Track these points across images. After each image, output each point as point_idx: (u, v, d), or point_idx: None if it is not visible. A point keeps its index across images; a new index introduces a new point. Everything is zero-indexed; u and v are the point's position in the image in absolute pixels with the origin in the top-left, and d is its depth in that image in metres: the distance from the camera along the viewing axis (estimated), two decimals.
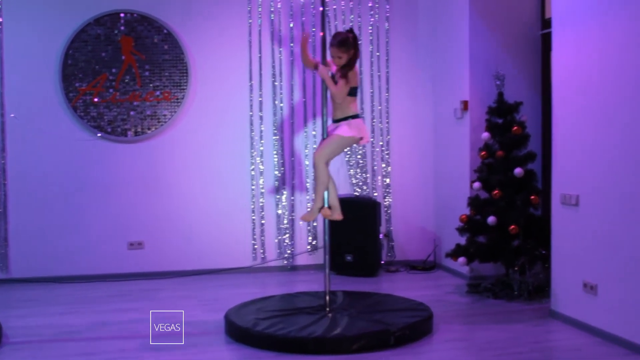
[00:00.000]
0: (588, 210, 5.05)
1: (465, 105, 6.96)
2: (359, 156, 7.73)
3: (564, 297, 5.38)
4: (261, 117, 7.58)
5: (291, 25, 7.59)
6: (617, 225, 4.73)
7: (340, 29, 7.61)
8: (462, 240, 6.56)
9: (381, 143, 7.79)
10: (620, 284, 4.71)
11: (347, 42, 5.09)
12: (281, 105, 7.61)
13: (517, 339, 4.95)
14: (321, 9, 5.51)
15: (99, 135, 7.30)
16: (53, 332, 5.35)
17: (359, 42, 5.34)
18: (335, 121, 5.28)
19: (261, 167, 7.60)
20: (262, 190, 7.62)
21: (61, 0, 7.22)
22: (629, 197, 4.60)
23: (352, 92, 5.22)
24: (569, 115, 5.29)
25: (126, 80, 7.32)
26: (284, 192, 7.63)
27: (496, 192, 6.22)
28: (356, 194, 7.74)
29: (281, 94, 7.61)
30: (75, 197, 7.31)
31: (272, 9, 7.58)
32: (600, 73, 4.90)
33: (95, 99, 7.26)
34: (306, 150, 7.61)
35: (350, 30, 5.22)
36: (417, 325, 4.98)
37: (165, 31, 7.37)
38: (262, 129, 7.59)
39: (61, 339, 5.15)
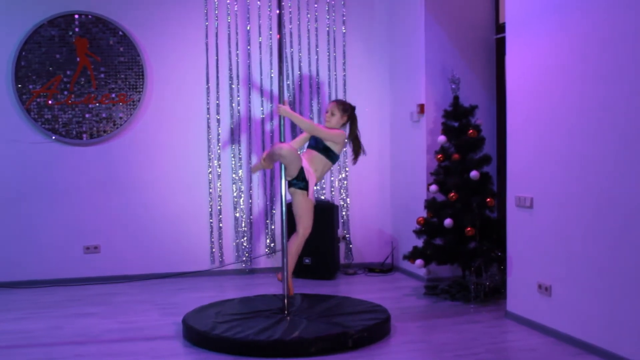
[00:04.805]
0: (542, 212, 5.14)
1: (421, 108, 7.02)
2: None
3: (520, 298, 5.46)
4: (218, 120, 7.55)
5: (248, 28, 7.58)
6: (569, 227, 4.81)
7: (295, 32, 7.65)
8: (419, 243, 6.61)
9: None
10: (573, 285, 4.79)
11: (345, 105, 5.48)
12: (238, 108, 7.59)
13: (474, 340, 5.00)
14: (277, 11, 5.53)
15: (53, 138, 7.21)
16: (9, 338, 5.26)
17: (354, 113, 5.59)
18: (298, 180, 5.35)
19: (219, 170, 7.58)
20: (220, 194, 7.60)
21: (13, 1, 7.11)
22: (579, 199, 4.69)
23: (333, 157, 5.43)
24: (522, 118, 5.37)
25: (81, 83, 7.24)
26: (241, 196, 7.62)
27: (452, 194, 6.28)
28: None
29: (238, 97, 7.59)
30: (30, 201, 7.20)
31: (228, 12, 7.56)
32: (551, 78, 4.98)
33: (50, 101, 7.16)
34: (263, 155, 7.59)
35: (353, 108, 5.55)
36: (375, 327, 5.01)
37: (120, 33, 7.30)
38: (220, 131, 7.56)
39: (17, 344, 5.06)
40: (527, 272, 5.34)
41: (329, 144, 5.33)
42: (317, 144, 5.37)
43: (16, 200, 7.18)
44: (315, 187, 5.51)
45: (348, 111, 5.45)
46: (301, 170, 5.25)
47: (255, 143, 7.64)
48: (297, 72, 7.73)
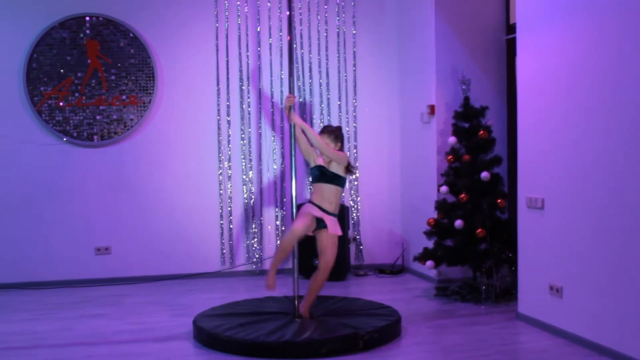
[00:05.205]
0: (553, 213, 5.11)
1: (432, 109, 7.00)
2: None
3: (531, 299, 5.43)
4: (229, 122, 7.56)
5: (258, 29, 7.59)
6: (581, 228, 4.79)
7: (305, 33, 7.66)
8: (430, 244, 6.60)
9: (348, 146, 7.81)
10: (584, 286, 4.77)
11: (335, 132, 5.40)
12: (249, 109, 7.60)
13: (484, 341, 4.98)
14: (288, 13, 5.53)
15: (64, 139, 7.23)
16: (20, 339, 5.28)
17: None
18: (323, 210, 5.30)
19: (229, 171, 7.58)
20: (230, 195, 7.60)
21: (25, 3, 7.15)
22: (591, 200, 4.66)
23: (343, 182, 5.38)
24: (533, 119, 5.35)
25: (92, 84, 7.26)
26: (252, 197, 7.63)
27: (463, 195, 6.26)
28: None
29: (249, 98, 7.60)
30: (41, 202, 7.23)
31: (238, 13, 7.57)
32: (562, 78, 4.96)
33: (61, 103, 7.19)
34: (274, 157, 7.61)
35: (339, 129, 5.50)
36: (386, 328, 5.00)
37: (131, 35, 7.32)
38: (230, 133, 7.57)
39: (27, 345, 5.08)
40: (538, 273, 5.32)
41: (334, 169, 5.28)
42: (324, 175, 5.32)
43: (27, 202, 7.21)
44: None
45: (339, 137, 5.42)
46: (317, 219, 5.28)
47: (265, 145, 7.64)
48: (307, 74, 7.73)
